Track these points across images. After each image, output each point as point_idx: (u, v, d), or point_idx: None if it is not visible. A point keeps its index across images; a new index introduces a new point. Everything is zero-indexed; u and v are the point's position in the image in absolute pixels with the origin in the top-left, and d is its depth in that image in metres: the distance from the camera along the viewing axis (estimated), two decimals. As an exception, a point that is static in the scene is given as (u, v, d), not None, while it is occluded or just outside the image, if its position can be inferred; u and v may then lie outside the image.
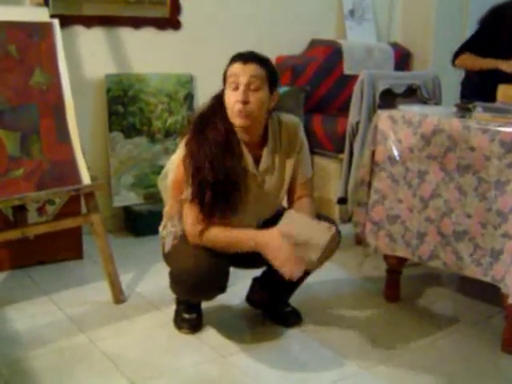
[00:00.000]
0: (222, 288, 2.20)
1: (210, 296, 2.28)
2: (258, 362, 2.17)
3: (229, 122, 2.15)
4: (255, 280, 2.53)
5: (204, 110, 2.21)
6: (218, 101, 2.18)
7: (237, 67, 2.12)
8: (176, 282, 2.21)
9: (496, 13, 3.31)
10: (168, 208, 2.30)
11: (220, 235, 2.12)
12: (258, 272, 2.48)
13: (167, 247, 2.26)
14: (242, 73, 2.10)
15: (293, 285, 2.33)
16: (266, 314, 2.48)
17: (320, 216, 2.26)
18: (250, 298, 2.55)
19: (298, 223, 2.09)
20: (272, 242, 2.05)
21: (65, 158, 2.54)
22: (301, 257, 2.02)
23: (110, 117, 3.41)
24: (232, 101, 2.11)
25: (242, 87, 2.09)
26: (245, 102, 2.09)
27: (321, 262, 2.07)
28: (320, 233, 2.05)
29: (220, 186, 2.09)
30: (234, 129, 2.16)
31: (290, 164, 2.27)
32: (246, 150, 2.19)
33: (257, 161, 2.21)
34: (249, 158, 2.19)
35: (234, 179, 2.12)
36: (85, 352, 2.21)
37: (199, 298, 2.35)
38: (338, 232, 2.14)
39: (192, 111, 3.58)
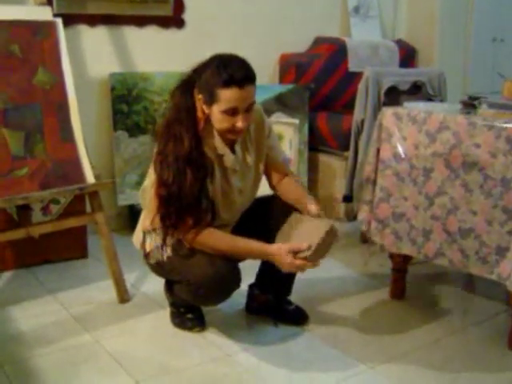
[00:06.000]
0: (239, 283, 2.17)
1: (229, 295, 2.20)
2: (263, 361, 2.16)
3: (196, 132, 2.07)
4: (252, 286, 2.50)
5: (169, 120, 2.11)
6: (185, 109, 2.08)
7: (233, 93, 1.98)
8: (196, 293, 2.16)
9: None
10: (149, 221, 2.19)
11: (219, 243, 2.09)
12: (251, 279, 2.47)
13: (157, 258, 2.21)
14: (240, 100, 2.00)
15: (291, 274, 2.31)
16: (272, 315, 2.45)
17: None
18: (249, 307, 2.51)
19: (297, 226, 2.14)
20: (279, 256, 2.04)
21: (69, 157, 2.54)
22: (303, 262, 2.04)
23: (114, 116, 3.41)
24: (229, 124, 2.04)
25: (242, 115, 2.03)
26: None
27: (318, 257, 2.05)
28: (316, 230, 2.06)
29: (184, 202, 2.03)
30: (200, 138, 2.09)
31: (263, 150, 2.26)
32: (226, 149, 2.15)
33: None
34: (229, 156, 2.17)
35: (196, 193, 2.04)
36: (90, 351, 2.21)
37: (218, 301, 2.26)
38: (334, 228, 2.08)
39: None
